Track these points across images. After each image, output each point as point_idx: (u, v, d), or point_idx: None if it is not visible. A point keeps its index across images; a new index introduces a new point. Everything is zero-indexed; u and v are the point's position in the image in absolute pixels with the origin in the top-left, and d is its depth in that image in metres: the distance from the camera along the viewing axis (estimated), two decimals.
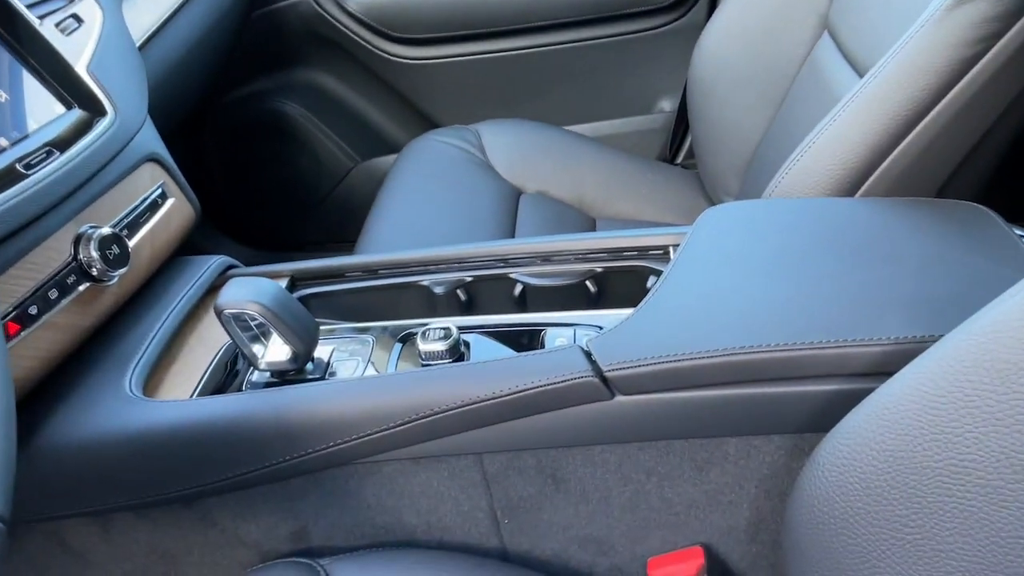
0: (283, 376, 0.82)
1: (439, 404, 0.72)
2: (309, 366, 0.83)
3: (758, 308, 0.73)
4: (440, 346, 0.79)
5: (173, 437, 0.75)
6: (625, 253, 0.94)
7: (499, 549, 0.82)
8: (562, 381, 0.71)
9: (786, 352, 0.68)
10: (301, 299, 0.95)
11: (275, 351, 0.81)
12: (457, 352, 0.80)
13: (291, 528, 0.83)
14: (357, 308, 0.99)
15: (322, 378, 0.81)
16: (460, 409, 0.72)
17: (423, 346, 0.79)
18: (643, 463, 0.76)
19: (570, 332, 0.83)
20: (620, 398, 0.72)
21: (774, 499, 0.75)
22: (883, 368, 0.67)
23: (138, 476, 0.78)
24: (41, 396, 0.80)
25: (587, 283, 0.94)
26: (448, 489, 0.79)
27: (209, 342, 0.89)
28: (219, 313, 0.77)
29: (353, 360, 0.83)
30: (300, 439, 0.75)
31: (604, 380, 0.71)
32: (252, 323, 0.79)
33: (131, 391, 0.79)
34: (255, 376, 0.83)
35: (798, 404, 0.70)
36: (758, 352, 0.69)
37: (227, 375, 0.85)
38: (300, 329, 0.78)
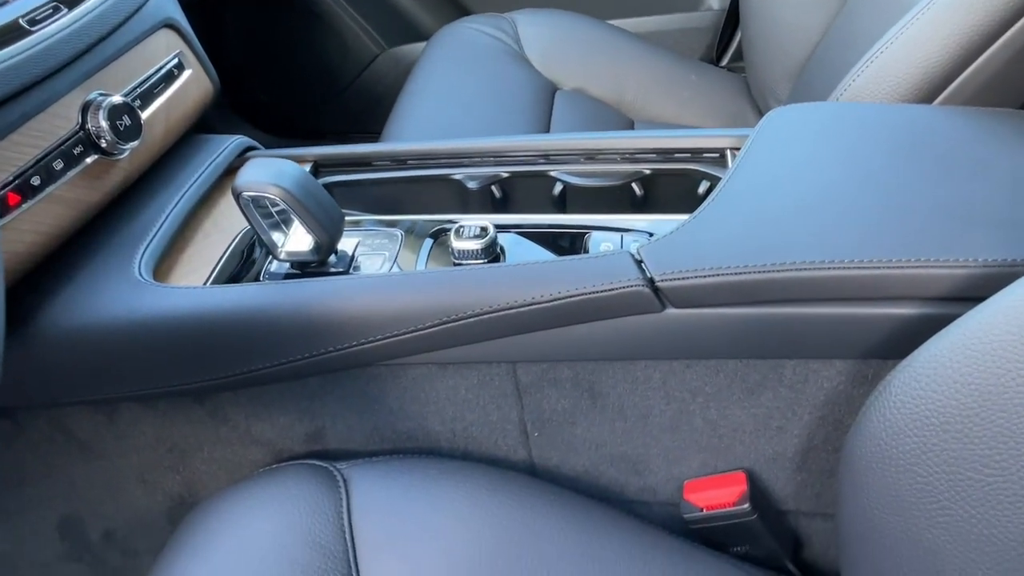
0: (304, 268, 0.76)
1: (473, 307, 0.66)
2: (332, 259, 0.77)
3: (830, 220, 0.66)
4: (475, 244, 0.72)
5: (184, 326, 0.70)
6: (677, 155, 0.86)
7: (526, 462, 0.78)
8: (609, 289, 0.64)
9: (861, 270, 0.61)
10: (324, 187, 0.88)
11: (296, 240, 0.75)
12: (493, 252, 0.74)
13: (307, 429, 0.79)
14: (384, 200, 0.92)
15: (346, 272, 0.75)
16: (495, 314, 0.66)
17: (457, 244, 0.72)
18: (689, 382, 0.70)
19: (616, 237, 0.76)
20: (671, 311, 0.65)
21: (828, 427, 0.70)
22: (970, 293, 0.60)
23: (145, 366, 0.73)
24: (44, 276, 0.74)
25: (633, 185, 0.87)
26: (477, 397, 0.74)
27: (225, 228, 0.83)
28: (237, 196, 0.71)
29: (379, 255, 0.77)
30: (320, 336, 0.69)
31: (655, 290, 0.64)
32: (272, 208, 0.72)
33: (140, 275, 0.73)
34: (274, 267, 0.77)
35: (869, 327, 0.64)
36: (830, 269, 0.62)
37: (243, 264, 0.79)
38: (324, 217, 0.72)
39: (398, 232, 0.80)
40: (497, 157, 0.89)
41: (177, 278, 0.77)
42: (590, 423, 0.74)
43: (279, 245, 0.75)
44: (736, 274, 0.62)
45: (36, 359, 0.73)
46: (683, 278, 0.63)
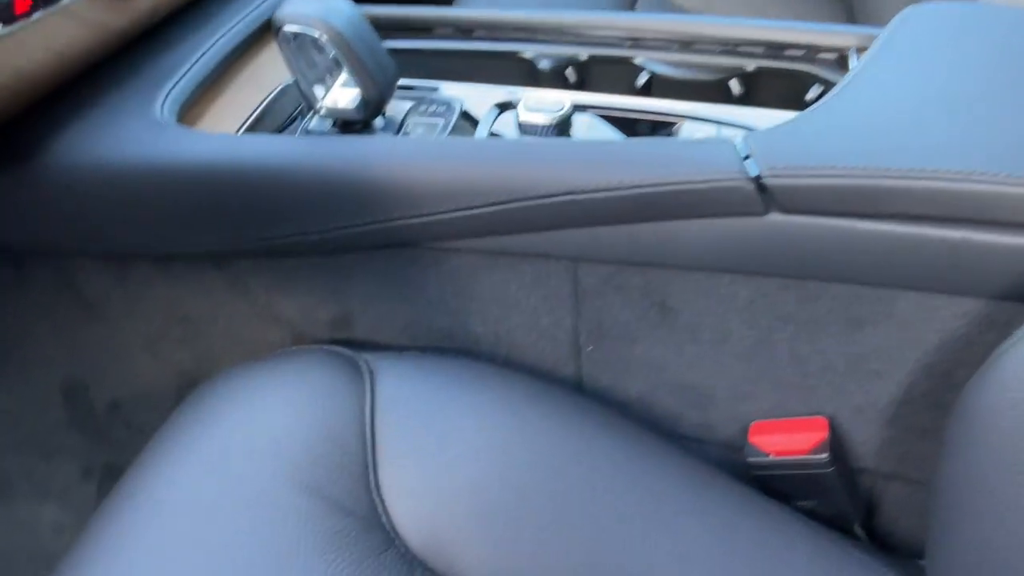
0: (346, 128, 0.66)
1: (536, 188, 0.56)
2: (379, 121, 0.67)
3: (975, 129, 0.54)
4: (546, 118, 0.62)
5: (206, 177, 0.61)
6: (788, 51, 0.74)
7: (574, 378, 0.69)
8: (704, 181, 0.54)
9: (1012, 188, 0.50)
10: None
11: (340, 94, 0.65)
12: (566, 132, 0.63)
13: (333, 313, 0.70)
14: (444, 73, 0.82)
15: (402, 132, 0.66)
16: (562, 198, 0.56)
17: (525, 115, 0.62)
18: (781, 305, 0.60)
19: (712, 130, 0.65)
20: (774, 216, 0.55)
21: (935, 377, 0.59)
22: None
23: (160, 217, 0.64)
24: (56, 107, 0.66)
25: (731, 83, 0.75)
26: (528, 297, 0.65)
27: (263, 80, 0.73)
28: (277, 30, 0.61)
29: (433, 122, 0.67)
30: (358, 204, 0.60)
31: (761, 188, 0.54)
32: (316, 53, 0.62)
33: (162, 115, 0.64)
34: (313, 123, 0.67)
35: (1013, 260, 0.52)
36: (979, 183, 0.50)
37: (280, 122, 0.70)
38: (375, 67, 0.62)
39: (456, 101, 0.69)
40: (577, 36, 0.78)
41: (204, 125, 0.68)
42: (654, 342, 0.64)
43: (320, 98, 0.65)
44: (863, 178, 0.51)
45: (42, 197, 0.65)
46: (796, 176, 0.53)
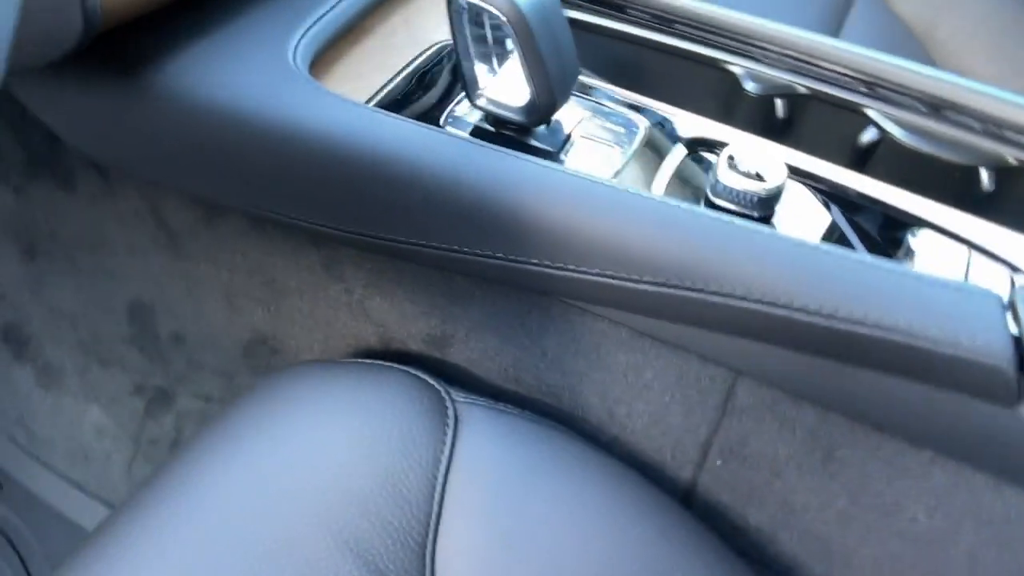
0: (501, 127, 0.54)
1: (722, 284, 0.44)
2: (542, 128, 0.55)
3: None
4: (753, 187, 0.48)
5: (326, 147, 0.50)
6: None
7: (686, 483, 0.57)
8: (950, 345, 0.40)
9: None
10: None
11: (506, 85, 0.52)
12: (770, 208, 0.50)
13: (433, 329, 0.60)
14: (625, 68, 0.68)
15: (556, 155, 0.53)
16: (753, 306, 0.43)
17: (725, 177, 0.49)
18: (985, 506, 0.46)
19: (961, 253, 0.50)
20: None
21: None
22: None
23: (264, 176, 0.54)
24: (178, 27, 0.55)
25: (982, 172, 0.59)
26: (663, 390, 0.53)
27: (418, 34, 0.61)
28: None
29: (605, 146, 0.54)
30: (492, 231, 0.49)
31: (1022, 378, 0.40)
32: (491, 30, 0.50)
33: (294, 64, 0.53)
34: (461, 110, 0.55)
35: None
36: None
37: (424, 89, 0.58)
38: (556, 69, 0.49)
39: (640, 124, 0.56)
40: (799, 60, 0.63)
41: (336, 80, 0.56)
42: (802, 485, 0.52)
43: (481, 85, 0.53)
44: None
45: (144, 121, 0.56)
46: None
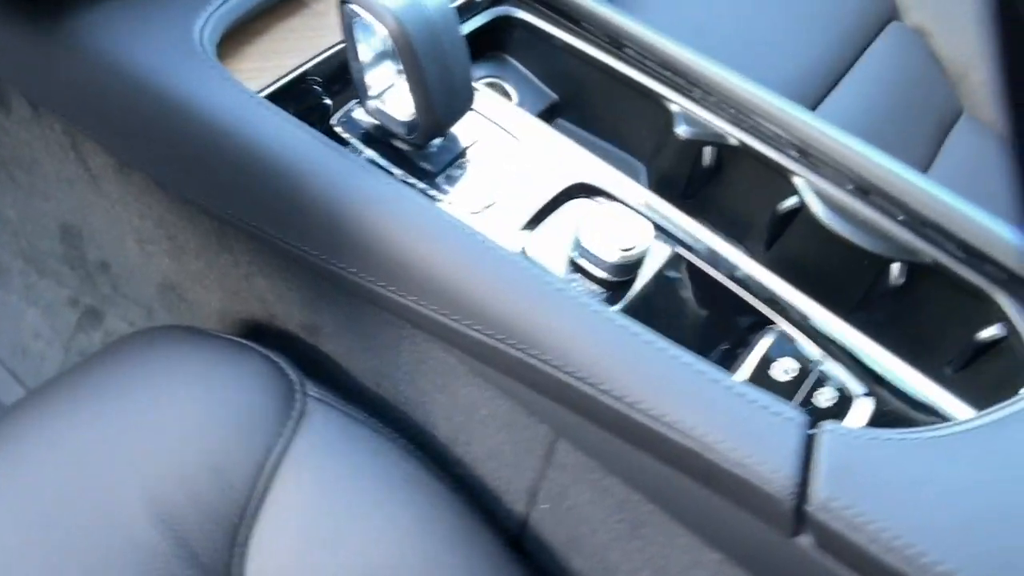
0: (387, 138, 0.53)
1: (545, 350, 0.43)
2: (435, 144, 0.53)
3: None
4: (610, 256, 0.47)
5: (208, 130, 0.50)
6: (990, 265, 0.54)
7: (518, 520, 0.57)
8: (736, 470, 0.39)
9: None
10: (494, 26, 0.63)
11: (396, 98, 0.51)
12: (629, 273, 0.48)
13: (303, 317, 0.60)
14: (570, 81, 0.65)
15: (435, 174, 0.52)
16: (569, 379, 0.42)
17: (586, 239, 0.47)
18: None
19: (817, 360, 0.48)
20: (803, 540, 0.40)
21: None
22: None
23: (158, 147, 0.54)
24: None
25: (893, 268, 0.57)
26: (496, 428, 0.52)
27: (332, 23, 0.59)
28: (343, 1, 0.47)
29: (493, 170, 0.52)
30: (341, 244, 0.48)
31: (799, 514, 0.38)
32: (379, 44, 0.48)
33: (200, 39, 0.52)
34: (356, 114, 0.54)
35: None
36: None
37: (329, 82, 0.56)
38: (440, 91, 0.47)
39: (532, 145, 0.54)
40: (739, 110, 0.60)
41: (243, 61, 0.55)
42: (615, 546, 0.52)
43: (370, 93, 0.51)
44: None
45: (60, 64, 0.56)
46: (854, 529, 0.37)
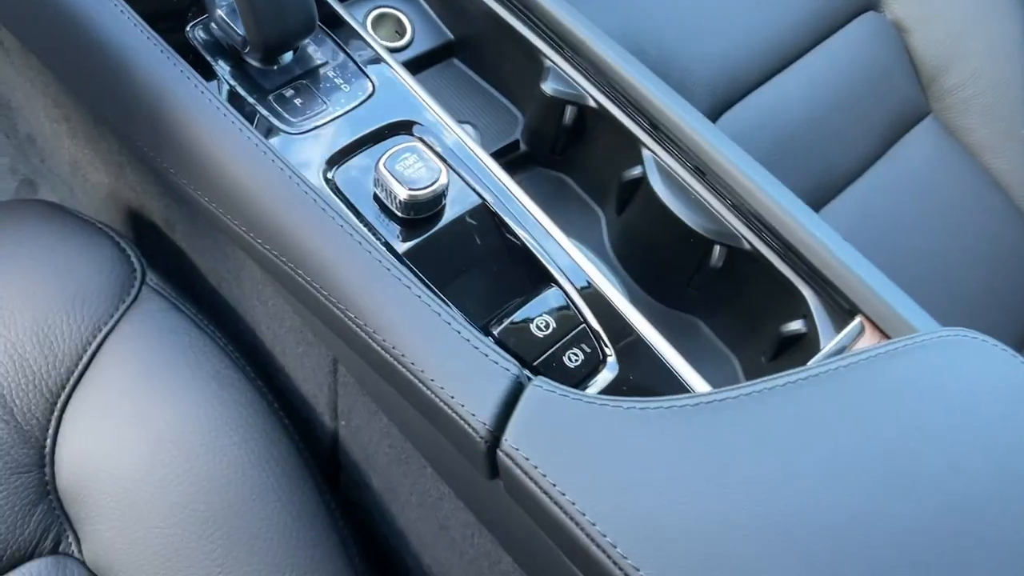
0: (217, 47, 0.54)
1: (325, 284, 0.45)
2: (285, 60, 0.55)
3: None
4: (422, 193, 0.48)
5: (62, 20, 0.52)
6: (802, 257, 0.55)
7: (331, 435, 0.61)
8: (444, 408, 0.42)
9: None
10: None
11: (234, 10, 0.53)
12: (422, 212, 0.50)
13: (163, 213, 0.64)
14: (457, 20, 0.66)
15: (268, 91, 0.53)
16: (327, 303, 0.45)
17: (386, 177, 0.49)
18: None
19: (579, 322, 0.50)
20: (500, 485, 0.43)
21: None
22: None
23: (32, 32, 0.57)
24: None
25: (716, 249, 0.58)
26: (296, 345, 0.56)
27: None
28: None
29: (320, 101, 0.54)
30: (170, 147, 0.50)
31: (492, 458, 0.41)
32: None
33: None
34: (200, 24, 0.55)
35: None
36: None
37: None
38: (267, 4, 0.49)
39: (363, 92, 0.55)
40: (598, 72, 0.60)
41: None
42: (391, 469, 0.55)
43: (216, 3, 0.53)
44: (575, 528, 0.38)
45: None
46: (533, 478, 0.40)
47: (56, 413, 0.57)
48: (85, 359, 0.58)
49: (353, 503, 0.64)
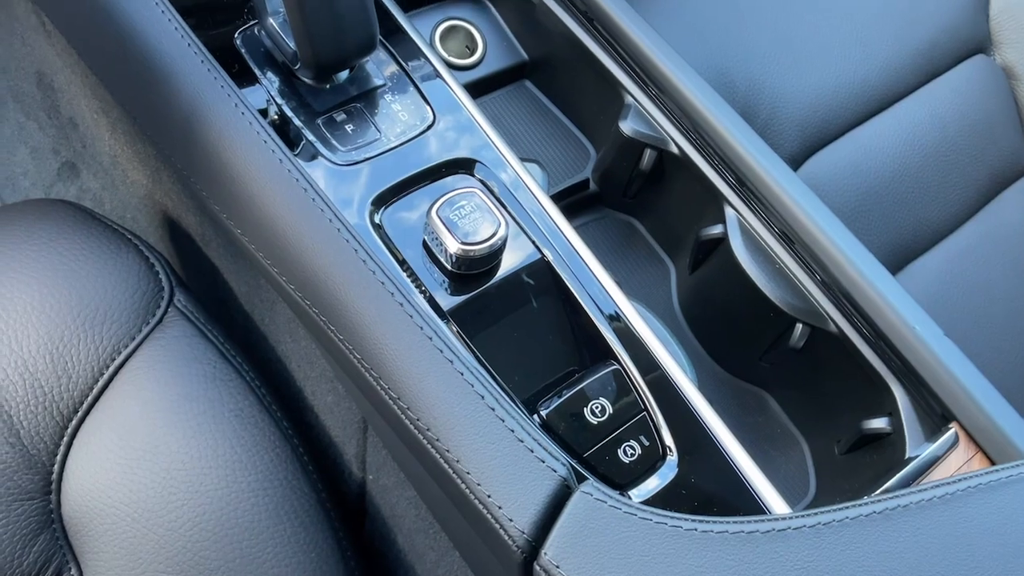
0: (267, 57, 0.49)
1: (344, 327, 0.40)
2: (340, 78, 0.50)
3: None
4: (476, 248, 0.43)
5: (108, 18, 0.48)
6: (896, 351, 0.48)
7: (358, 485, 0.56)
8: (479, 506, 0.36)
9: None
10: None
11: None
12: (474, 267, 0.44)
13: (198, 226, 0.59)
14: (533, 40, 0.61)
15: (318, 112, 0.48)
16: (371, 379, 0.40)
17: (438, 225, 0.43)
18: None
19: (640, 410, 0.44)
20: None
21: None
22: None
23: (69, 20, 0.53)
24: None
25: (798, 328, 0.51)
26: (325, 391, 0.51)
27: None
28: None
29: (373, 130, 0.49)
30: (201, 167, 0.46)
31: (528, 567, 0.36)
32: None
33: None
34: (251, 31, 0.50)
35: None
36: None
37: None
38: (322, 20, 0.43)
39: (423, 123, 0.50)
40: (686, 115, 0.54)
41: None
42: (417, 536, 0.50)
43: (271, 9, 0.48)
44: None
45: None
46: None
47: (66, 439, 0.53)
48: (101, 383, 0.53)
49: (378, 553, 0.59)
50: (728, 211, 0.53)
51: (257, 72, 0.49)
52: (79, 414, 0.53)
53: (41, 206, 0.57)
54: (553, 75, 0.62)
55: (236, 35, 0.50)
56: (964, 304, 0.84)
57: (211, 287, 0.61)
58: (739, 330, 0.55)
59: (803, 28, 0.82)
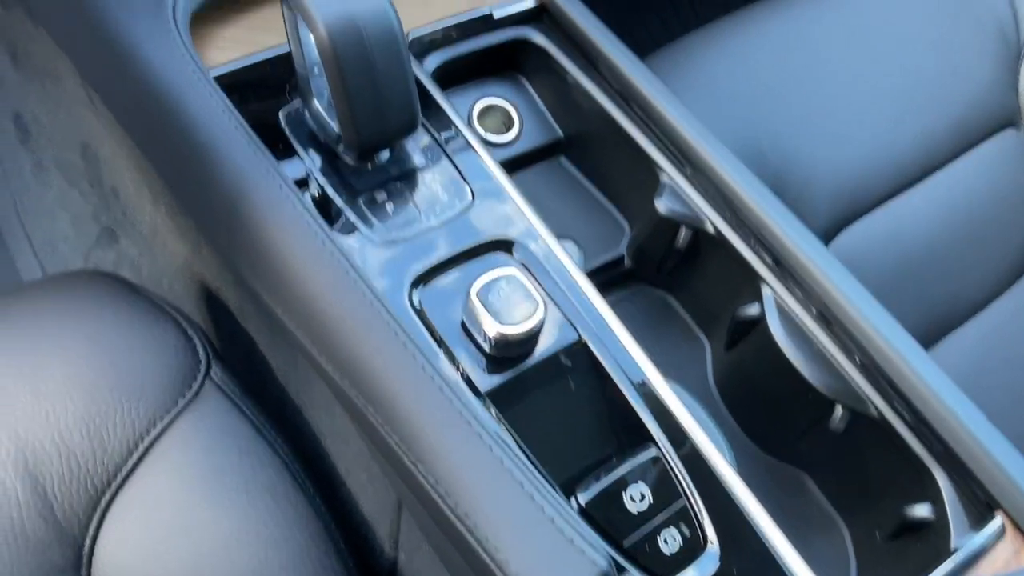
0: (310, 136, 0.50)
1: (394, 425, 0.40)
2: (383, 157, 0.51)
3: None
4: (514, 331, 0.43)
5: (148, 90, 0.49)
6: (938, 436, 0.47)
7: (390, 563, 0.55)
8: None
9: None
10: (513, 46, 0.59)
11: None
12: (512, 351, 0.44)
13: (236, 298, 0.60)
14: (569, 117, 0.62)
15: (359, 192, 0.49)
16: (410, 463, 0.40)
17: (473, 304, 0.43)
18: None
19: (679, 496, 0.43)
20: None
21: None
22: None
23: (115, 98, 0.55)
24: None
25: (838, 409, 0.50)
26: (361, 471, 0.50)
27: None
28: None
29: (413, 209, 0.50)
30: (242, 247, 0.46)
31: None
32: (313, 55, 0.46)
33: (174, 22, 0.51)
34: (295, 110, 0.51)
35: None
36: None
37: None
38: (366, 103, 0.44)
39: (460, 203, 0.50)
40: (722, 195, 0.54)
41: (222, 32, 0.54)
42: None
43: (315, 92, 0.49)
44: None
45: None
46: None
47: (98, 513, 0.53)
48: (136, 456, 0.53)
49: None
50: (765, 291, 0.52)
51: (300, 151, 0.50)
52: (112, 488, 0.53)
53: (82, 278, 0.58)
54: (588, 152, 0.63)
55: (280, 114, 0.51)
56: (1001, 380, 0.83)
57: (247, 358, 0.61)
58: (777, 410, 0.54)
59: (833, 101, 0.83)
